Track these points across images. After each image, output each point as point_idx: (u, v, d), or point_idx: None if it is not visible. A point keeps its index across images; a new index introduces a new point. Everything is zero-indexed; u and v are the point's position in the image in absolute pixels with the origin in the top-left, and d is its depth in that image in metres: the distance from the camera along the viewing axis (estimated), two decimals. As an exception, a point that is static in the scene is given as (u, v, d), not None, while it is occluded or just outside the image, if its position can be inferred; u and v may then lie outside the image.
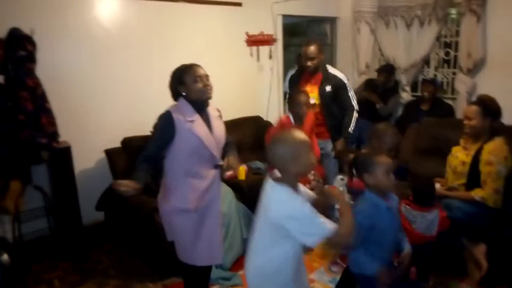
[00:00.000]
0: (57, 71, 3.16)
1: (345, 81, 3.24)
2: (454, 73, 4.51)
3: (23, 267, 2.95)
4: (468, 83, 4.20)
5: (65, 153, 3.01)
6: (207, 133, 2.00)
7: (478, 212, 2.46)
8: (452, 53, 4.53)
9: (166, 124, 1.95)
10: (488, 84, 4.09)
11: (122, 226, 3.31)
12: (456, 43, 4.43)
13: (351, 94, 3.25)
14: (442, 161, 2.82)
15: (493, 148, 2.43)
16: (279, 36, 4.73)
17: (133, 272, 2.94)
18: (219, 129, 2.11)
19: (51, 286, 2.80)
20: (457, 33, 4.39)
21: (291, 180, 1.56)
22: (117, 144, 3.36)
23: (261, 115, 4.44)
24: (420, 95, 4.39)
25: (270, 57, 4.67)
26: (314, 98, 3.23)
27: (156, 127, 2.02)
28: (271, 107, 4.71)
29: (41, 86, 2.84)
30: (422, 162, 3.36)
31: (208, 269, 2.19)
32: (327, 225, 1.47)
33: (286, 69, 5.27)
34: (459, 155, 2.62)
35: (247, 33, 4.41)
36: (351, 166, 2.03)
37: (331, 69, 3.26)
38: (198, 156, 1.99)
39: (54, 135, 2.91)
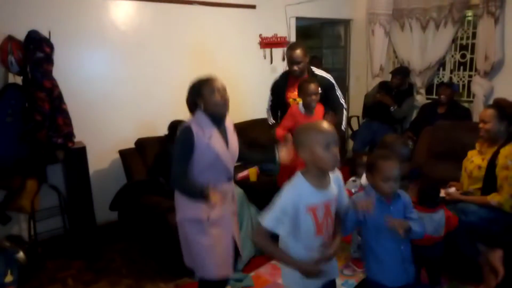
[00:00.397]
0: (73, 72, 3.22)
1: (333, 81, 3.20)
2: (470, 76, 4.45)
3: (38, 265, 3.00)
4: (485, 85, 4.14)
5: (80, 153, 3.05)
6: (224, 148, 1.99)
7: (495, 217, 2.41)
8: (468, 55, 4.47)
9: (187, 140, 1.92)
10: (506, 87, 4.03)
11: (135, 226, 3.35)
12: (473, 46, 4.37)
13: (339, 93, 3.21)
14: (457, 164, 2.78)
15: (510, 152, 2.38)
16: (293, 38, 4.73)
17: (145, 272, 2.96)
18: (234, 143, 2.09)
19: (65, 285, 2.84)
20: (474, 35, 4.33)
21: (312, 172, 1.56)
22: (131, 145, 3.41)
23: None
24: (436, 98, 4.33)
25: (283, 59, 4.66)
26: None
27: (178, 142, 1.97)
28: (284, 109, 4.70)
29: (57, 87, 2.90)
30: (437, 165, 3.31)
31: (222, 283, 2.13)
32: (269, 221, 1.52)
33: (299, 71, 5.26)
34: (475, 159, 2.58)
35: (260, 35, 4.42)
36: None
37: (317, 71, 3.20)
38: (213, 170, 1.97)
39: (70, 135, 2.96)
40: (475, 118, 4.08)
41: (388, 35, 4.96)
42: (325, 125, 1.58)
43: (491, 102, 2.96)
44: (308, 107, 2.89)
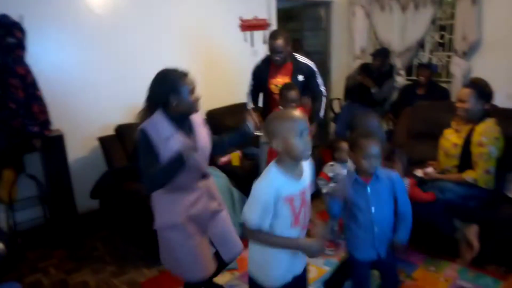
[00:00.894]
0: (47, 58, 3.13)
1: (314, 68, 3.19)
2: (449, 56, 4.50)
3: (18, 255, 2.97)
4: (463, 66, 4.19)
5: (58, 141, 3.00)
6: None
7: (471, 193, 2.47)
8: (447, 36, 4.50)
9: (144, 143, 1.79)
10: (483, 66, 4.08)
11: (117, 213, 3.32)
12: (451, 26, 4.40)
13: (319, 80, 3.22)
14: (435, 144, 2.82)
15: (484, 129, 2.43)
16: (273, 21, 4.69)
17: (128, 258, 2.96)
18: (204, 139, 1.96)
19: (46, 274, 2.81)
20: (452, 16, 4.36)
21: (286, 162, 1.53)
22: (110, 131, 3.36)
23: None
24: (416, 79, 4.37)
25: (264, 42, 4.62)
26: None
27: (139, 148, 1.82)
28: (265, 93, 4.68)
29: (31, 73, 2.82)
30: (416, 146, 3.36)
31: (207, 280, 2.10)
32: (254, 221, 1.51)
33: (280, 54, 5.22)
34: (451, 138, 2.62)
35: (241, 18, 4.36)
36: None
37: (300, 58, 3.18)
38: (183, 171, 1.80)
39: (46, 123, 2.90)
40: (454, 98, 4.14)
41: (369, 17, 4.96)
42: (297, 113, 1.55)
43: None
44: None
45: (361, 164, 1.83)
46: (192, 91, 1.83)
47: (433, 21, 4.51)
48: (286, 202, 1.51)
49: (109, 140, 3.33)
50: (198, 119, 1.98)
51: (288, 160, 1.53)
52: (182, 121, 1.87)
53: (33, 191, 3.16)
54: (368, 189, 1.84)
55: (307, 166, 1.64)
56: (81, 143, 3.38)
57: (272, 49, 3.03)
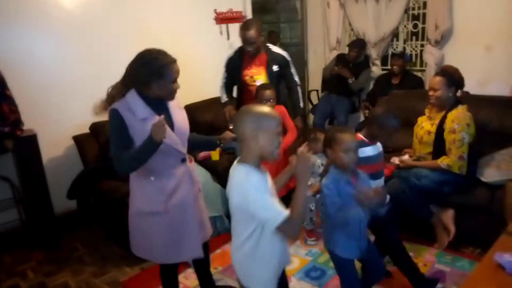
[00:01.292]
0: (16, 56, 3.03)
1: (288, 58, 3.16)
2: (422, 45, 4.57)
3: (-6, 260, 2.89)
4: (436, 54, 4.27)
5: (31, 141, 2.91)
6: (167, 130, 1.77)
7: (445, 179, 2.53)
8: (420, 25, 4.57)
9: (116, 123, 1.73)
10: (455, 55, 4.17)
11: (95, 213, 3.27)
12: (424, 15, 4.47)
13: (293, 70, 3.22)
14: (410, 132, 2.87)
15: (456, 116, 2.49)
16: (249, 13, 4.66)
17: (109, 258, 2.92)
18: (181, 119, 1.90)
19: (24, 278, 2.75)
20: (425, 5, 4.42)
21: (253, 160, 1.45)
22: (85, 129, 3.28)
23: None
24: (391, 69, 4.43)
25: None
26: (262, 80, 3.11)
27: (110, 128, 1.77)
28: (243, 86, 4.67)
29: (-1, 72, 2.72)
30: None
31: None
32: (281, 210, 1.37)
33: (257, 47, 5.20)
34: (424, 125, 2.68)
35: (215, 11, 4.32)
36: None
37: (274, 48, 3.15)
38: (159, 154, 1.73)
39: (17, 123, 2.81)
40: (428, 86, 4.22)
41: (343, 7, 4.98)
42: (274, 112, 1.49)
43: (441, 70, 3.07)
44: None
45: (341, 159, 1.81)
46: (175, 80, 1.79)
47: (405, 11, 4.58)
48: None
49: (84, 139, 3.26)
50: (174, 102, 1.91)
51: (255, 157, 1.46)
52: (157, 104, 1.81)
53: (7, 193, 3.07)
54: (351, 184, 1.85)
55: None
56: (55, 142, 3.30)
57: (244, 40, 2.97)
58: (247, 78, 3.12)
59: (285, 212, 1.37)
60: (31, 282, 2.70)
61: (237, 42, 4.52)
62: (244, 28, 2.95)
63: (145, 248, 1.98)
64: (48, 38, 3.21)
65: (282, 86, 3.29)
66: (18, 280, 2.72)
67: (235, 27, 4.51)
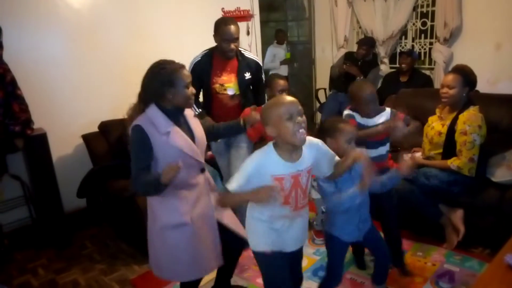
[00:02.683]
0: (26, 56, 3.06)
1: (261, 63, 2.93)
2: (431, 43, 4.53)
3: (5, 257, 2.93)
4: (445, 52, 4.24)
5: (41, 140, 2.94)
6: (187, 141, 1.81)
7: (455, 179, 2.51)
8: (428, 23, 4.54)
9: (140, 140, 1.73)
10: (464, 52, 4.14)
11: (104, 211, 3.29)
12: (433, 13, 4.44)
13: (263, 75, 2.95)
14: (420, 131, 2.85)
15: (468, 117, 2.45)
16: (256, 11, 4.65)
17: (118, 256, 2.94)
18: (199, 129, 1.93)
19: (35, 275, 2.78)
20: (433, 3, 4.39)
21: (282, 146, 1.57)
22: (94, 128, 3.31)
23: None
24: (399, 67, 4.40)
25: (248, 33, 4.60)
26: (233, 89, 2.77)
27: (132, 144, 1.76)
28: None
29: (10, 72, 2.74)
30: (401, 133, 3.39)
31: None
32: (233, 183, 1.56)
33: (264, 45, 5.22)
34: (435, 126, 2.65)
35: (223, 9, 4.32)
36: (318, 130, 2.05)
37: (246, 53, 2.83)
38: (182, 167, 1.73)
39: (28, 122, 2.83)
40: (437, 85, 4.19)
41: (351, 5, 4.96)
42: (287, 97, 1.58)
43: (450, 68, 3.04)
44: None
45: (344, 148, 1.85)
46: (187, 85, 1.79)
47: (414, 8, 4.54)
48: (274, 181, 1.56)
49: (93, 138, 3.28)
50: (189, 112, 1.94)
51: (284, 145, 1.57)
52: (177, 115, 1.83)
53: (17, 191, 3.11)
54: (352, 172, 1.85)
55: (311, 148, 1.66)
56: (64, 141, 3.32)
57: (228, 36, 2.61)
58: (216, 86, 2.76)
59: (231, 186, 1.57)
60: (42, 279, 2.73)
61: (244, 41, 4.54)
62: (226, 23, 2.62)
63: (169, 268, 1.92)
64: (58, 39, 3.24)
65: (251, 95, 2.91)
66: (29, 277, 2.75)
67: (242, 26, 4.51)
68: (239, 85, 2.77)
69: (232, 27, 2.61)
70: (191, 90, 1.82)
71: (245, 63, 2.77)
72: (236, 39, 2.66)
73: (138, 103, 1.84)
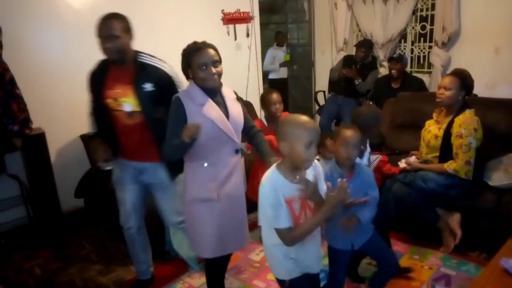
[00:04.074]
0: (25, 55, 3.06)
1: (171, 74, 2.17)
2: (430, 47, 4.55)
3: (2, 256, 2.92)
4: (443, 56, 4.26)
5: (39, 140, 2.94)
6: (220, 115, 1.87)
7: (452, 183, 2.52)
8: (428, 27, 4.55)
9: (176, 110, 1.86)
10: (462, 57, 4.16)
11: (102, 211, 3.29)
12: (432, 17, 4.45)
13: (180, 90, 2.15)
14: (418, 134, 2.86)
15: (463, 120, 2.47)
16: (256, 13, 4.67)
17: (115, 256, 2.94)
18: (236, 111, 1.97)
19: (32, 275, 2.78)
20: (433, 7, 4.40)
21: (287, 165, 1.55)
22: (93, 129, 3.30)
23: (241, 95, 4.40)
24: (389, 73, 4.33)
25: (248, 35, 4.61)
26: (130, 104, 2.10)
27: (169, 114, 1.88)
28: (250, 86, 4.68)
29: (9, 71, 2.75)
30: (399, 136, 3.41)
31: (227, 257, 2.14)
32: (281, 221, 1.50)
33: (264, 47, 5.23)
34: (432, 129, 2.66)
35: (223, 11, 4.33)
36: None
37: (148, 59, 2.17)
38: (215, 141, 1.87)
39: (26, 121, 2.84)
40: (433, 88, 4.18)
41: (351, 8, 4.98)
42: (311, 121, 1.54)
43: (448, 72, 3.05)
44: (272, 119, 2.76)
45: (340, 152, 1.87)
46: (202, 65, 1.84)
47: (413, 12, 4.56)
48: (286, 203, 1.54)
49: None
50: (230, 94, 2.02)
51: (290, 164, 1.55)
52: (212, 93, 1.91)
53: (15, 191, 3.11)
54: (351, 185, 1.84)
55: (312, 172, 1.64)
56: (63, 141, 3.33)
57: (104, 33, 2.08)
58: (109, 100, 2.13)
59: (283, 225, 1.51)
60: (38, 279, 2.73)
61: (244, 42, 4.55)
62: (105, 18, 2.12)
63: (194, 241, 2.01)
64: (57, 38, 3.24)
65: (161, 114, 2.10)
66: (26, 277, 2.75)
67: (242, 28, 4.53)
68: (139, 100, 2.09)
69: (107, 22, 2.12)
70: (210, 70, 1.85)
71: (144, 72, 2.11)
72: (113, 36, 2.07)
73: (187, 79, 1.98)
